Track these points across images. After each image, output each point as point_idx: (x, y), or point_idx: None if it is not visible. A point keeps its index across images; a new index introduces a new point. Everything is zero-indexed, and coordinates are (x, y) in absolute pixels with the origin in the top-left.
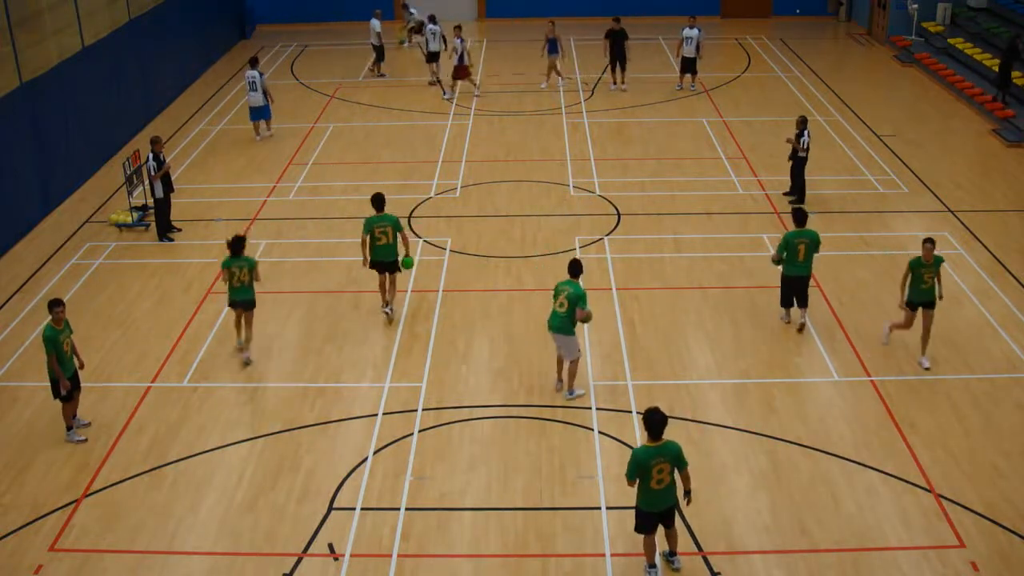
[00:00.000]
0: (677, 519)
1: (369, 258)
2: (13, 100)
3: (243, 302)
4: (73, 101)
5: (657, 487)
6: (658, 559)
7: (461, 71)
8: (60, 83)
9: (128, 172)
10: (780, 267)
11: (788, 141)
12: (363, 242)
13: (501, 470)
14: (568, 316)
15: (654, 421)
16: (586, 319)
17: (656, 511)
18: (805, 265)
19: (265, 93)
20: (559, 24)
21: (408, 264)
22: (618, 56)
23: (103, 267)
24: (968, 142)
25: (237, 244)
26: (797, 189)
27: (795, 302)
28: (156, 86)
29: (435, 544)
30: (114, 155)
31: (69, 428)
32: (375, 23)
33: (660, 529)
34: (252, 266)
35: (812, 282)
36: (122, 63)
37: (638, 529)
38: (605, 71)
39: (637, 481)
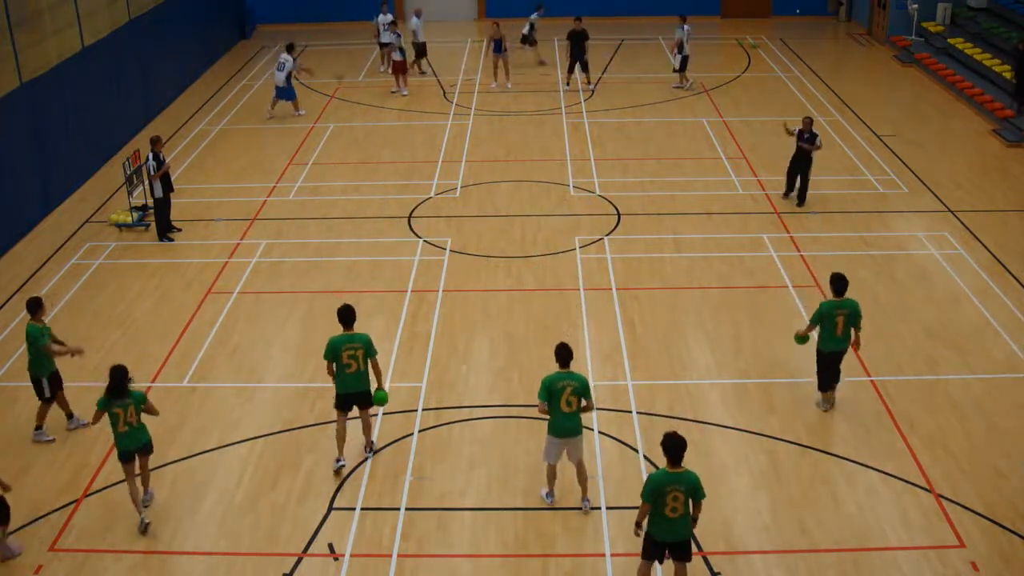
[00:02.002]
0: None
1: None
2: (13, 100)
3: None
4: (73, 101)
5: (671, 515)
6: None
7: (399, 66)
8: (60, 83)
9: (128, 172)
10: (802, 340)
11: (789, 133)
12: (328, 370)
13: (501, 470)
14: (579, 411)
15: (672, 446)
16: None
17: (665, 541)
18: (844, 338)
19: (288, 77)
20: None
21: (381, 399)
22: (578, 56)
23: (103, 267)
24: (968, 142)
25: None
26: (801, 189)
27: (828, 379)
28: (156, 86)
29: (435, 544)
30: (114, 155)
31: (38, 428)
32: (415, 20)
33: (670, 567)
34: (141, 401)
35: (812, 282)
36: (122, 63)
37: (643, 555)
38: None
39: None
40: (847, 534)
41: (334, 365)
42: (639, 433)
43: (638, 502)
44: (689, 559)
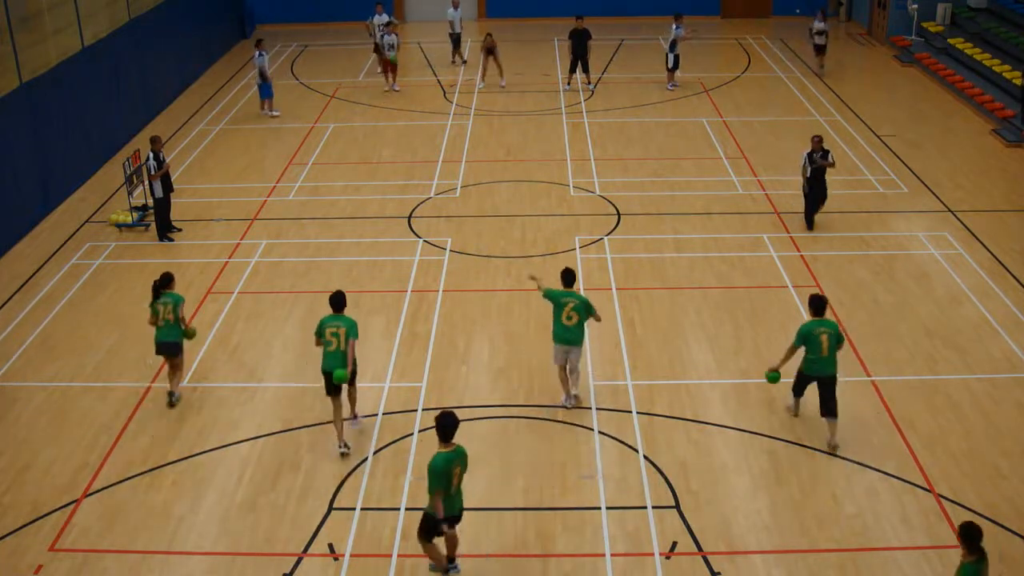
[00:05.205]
0: (678, 518)
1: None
2: (13, 100)
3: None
4: (73, 101)
5: (453, 493)
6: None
7: (387, 63)
8: (60, 83)
9: (128, 172)
10: (774, 378)
11: (813, 162)
12: (317, 344)
13: (501, 470)
14: (579, 325)
15: (446, 424)
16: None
17: (451, 516)
18: (830, 361)
19: (260, 73)
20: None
21: (340, 377)
22: (580, 56)
23: (103, 267)
24: (968, 142)
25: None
26: (819, 201)
27: (821, 409)
28: (156, 86)
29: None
30: (114, 155)
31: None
32: (452, 12)
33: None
34: (178, 302)
35: (812, 282)
36: (122, 63)
37: (427, 536)
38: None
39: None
40: (847, 534)
41: (322, 341)
42: (639, 433)
43: (638, 502)
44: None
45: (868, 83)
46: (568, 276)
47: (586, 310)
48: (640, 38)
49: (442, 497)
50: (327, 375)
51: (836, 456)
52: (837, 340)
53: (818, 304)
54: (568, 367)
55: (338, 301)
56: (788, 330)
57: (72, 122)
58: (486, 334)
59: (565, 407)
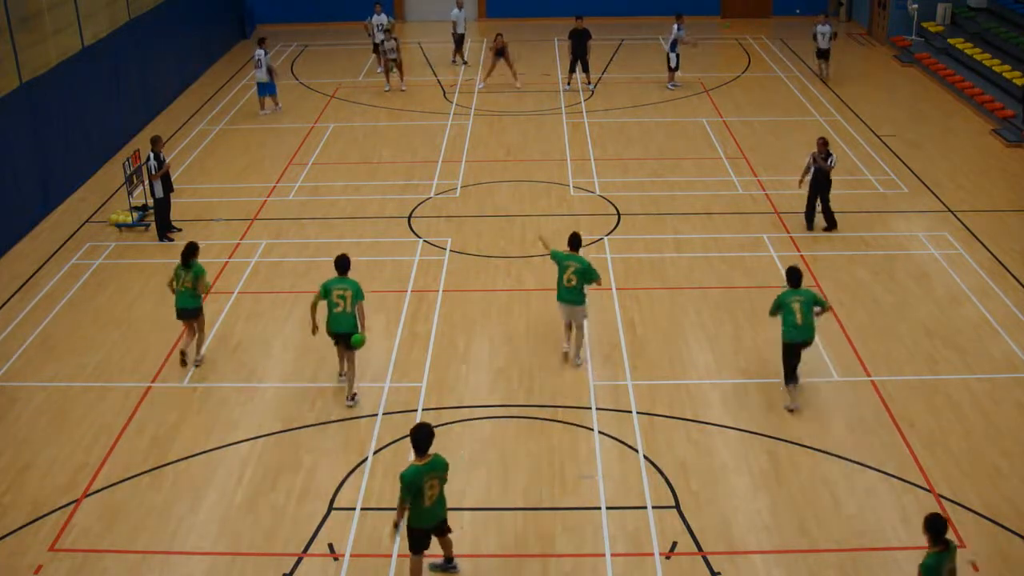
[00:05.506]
0: (678, 518)
1: (322, 327)
2: (13, 100)
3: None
4: (73, 101)
5: (430, 503)
6: None
7: (386, 63)
8: (60, 83)
9: (128, 172)
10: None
11: (815, 162)
12: (312, 306)
13: (501, 470)
14: (578, 288)
15: (420, 437)
16: (600, 284)
17: (430, 525)
18: (807, 327)
19: (269, 71)
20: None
21: (357, 342)
22: (579, 56)
23: (103, 267)
24: (968, 142)
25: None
26: (826, 212)
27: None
28: (156, 86)
29: (435, 544)
30: (114, 155)
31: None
32: (456, 12)
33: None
34: (199, 272)
35: (812, 281)
36: (122, 63)
37: (413, 550)
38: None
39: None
40: (847, 534)
41: (326, 304)
42: (639, 433)
43: (638, 502)
44: (450, 530)
45: (868, 83)
46: (574, 240)
47: (584, 275)
48: (640, 38)
49: (407, 509)
50: (336, 335)
51: (836, 456)
52: (812, 305)
53: (793, 275)
54: (573, 325)
55: (343, 264)
56: None
57: (72, 122)
58: (486, 334)
59: (566, 354)
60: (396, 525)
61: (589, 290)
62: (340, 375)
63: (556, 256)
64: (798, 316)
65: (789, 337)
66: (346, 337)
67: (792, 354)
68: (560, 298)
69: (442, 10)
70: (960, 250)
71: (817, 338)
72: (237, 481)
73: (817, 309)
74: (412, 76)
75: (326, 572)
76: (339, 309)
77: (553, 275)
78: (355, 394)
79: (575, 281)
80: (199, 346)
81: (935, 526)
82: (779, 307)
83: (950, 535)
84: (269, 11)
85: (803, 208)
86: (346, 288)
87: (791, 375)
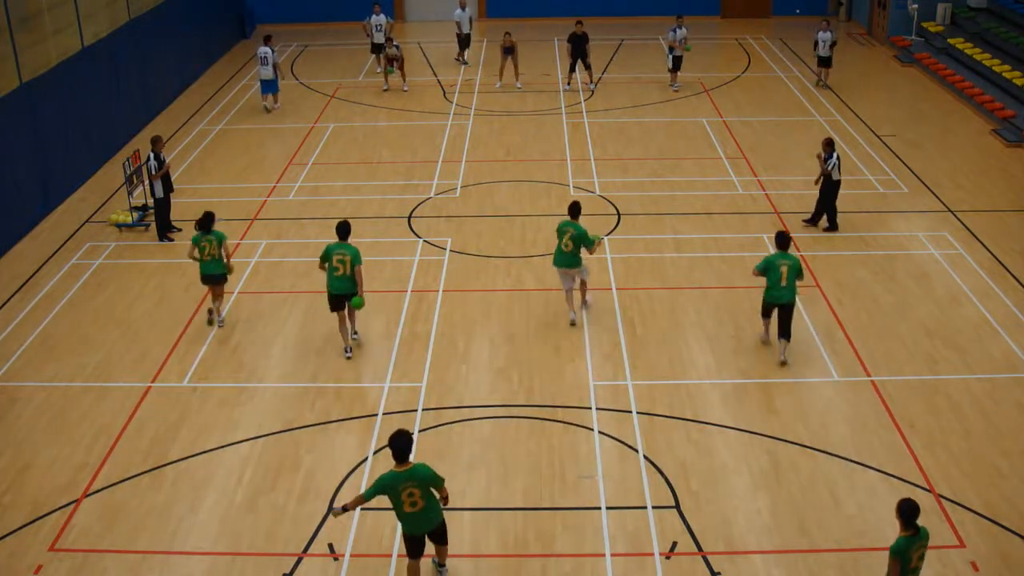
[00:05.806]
0: (678, 518)
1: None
2: (13, 100)
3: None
4: (73, 101)
5: (411, 509)
6: None
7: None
8: (60, 83)
9: (128, 172)
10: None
11: (818, 157)
12: (320, 267)
13: (501, 470)
14: (575, 252)
15: (399, 444)
16: (599, 248)
17: (420, 532)
18: (788, 289)
19: (275, 68)
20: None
21: (356, 303)
22: (580, 57)
23: (103, 267)
24: (968, 142)
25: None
26: (829, 218)
27: (778, 331)
28: (156, 86)
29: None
30: (114, 155)
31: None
32: (459, 12)
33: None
34: (221, 239)
35: (812, 281)
36: (122, 63)
37: (409, 555)
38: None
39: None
40: (847, 534)
41: (326, 266)
42: (639, 433)
43: (638, 502)
44: (445, 541)
45: (868, 83)
46: (573, 209)
47: (580, 240)
48: (640, 38)
49: (360, 504)
50: (335, 297)
51: (836, 456)
52: (796, 272)
53: (782, 239)
54: (577, 283)
55: (344, 229)
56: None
57: (72, 122)
58: (486, 334)
59: (573, 322)
60: (344, 508)
61: (596, 250)
62: (346, 351)
63: (560, 226)
64: (783, 278)
65: (770, 296)
66: (345, 299)
67: (767, 313)
68: (558, 263)
69: (442, 10)
70: (960, 250)
71: (817, 338)
72: (237, 481)
73: (800, 282)
74: (412, 76)
75: (326, 572)
76: (339, 272)
77: (551, 277)
78: (355, 333)
79: (571, 246)
80: (220, 306)
81: (906, 511)
82: (767, 267)
83: (921, 521)
84: (269, 11)
85: (802, 208)
86: (345, 253)
87: (768, 314)
